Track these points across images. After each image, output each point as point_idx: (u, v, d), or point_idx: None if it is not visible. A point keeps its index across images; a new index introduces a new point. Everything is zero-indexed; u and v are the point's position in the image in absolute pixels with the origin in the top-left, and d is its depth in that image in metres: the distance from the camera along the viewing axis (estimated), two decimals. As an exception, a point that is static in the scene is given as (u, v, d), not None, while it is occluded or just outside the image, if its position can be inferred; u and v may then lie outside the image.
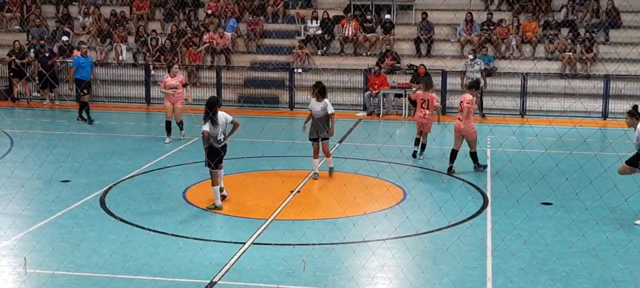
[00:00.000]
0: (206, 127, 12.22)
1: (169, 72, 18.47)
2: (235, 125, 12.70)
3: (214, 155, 12.34)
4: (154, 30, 26.71)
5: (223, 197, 12.93)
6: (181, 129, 18.48)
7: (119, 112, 23.25)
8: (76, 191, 13.59)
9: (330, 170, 15.07)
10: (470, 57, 22.83)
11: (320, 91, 14.88)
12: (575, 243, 10.79)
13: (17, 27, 28.26)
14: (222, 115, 12.43)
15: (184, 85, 18.38)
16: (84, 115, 21.10)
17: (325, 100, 14.85)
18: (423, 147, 16.56)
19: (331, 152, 17.14)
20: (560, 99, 22.85)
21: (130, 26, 27.70)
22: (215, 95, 18.73)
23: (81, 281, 9.45)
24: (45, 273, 9.62)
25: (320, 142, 14.85)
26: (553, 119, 20.85)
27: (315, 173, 14.90)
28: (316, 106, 14.88)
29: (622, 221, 11.28)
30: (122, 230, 11.43)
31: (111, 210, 12.51)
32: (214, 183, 12.57)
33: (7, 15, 28.61)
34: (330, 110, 14.80)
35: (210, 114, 12.17)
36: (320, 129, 14.82)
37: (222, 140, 12.46)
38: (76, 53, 25.34)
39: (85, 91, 21.20)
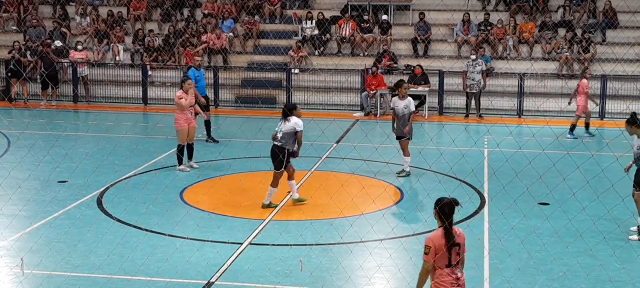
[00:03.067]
0: (278, 128, 12.63)
1: (182, 87, 15.30)
2: (298, 137, 12.67)
3: (274, 154, 12.62)
4: (151, 31, 26.69)
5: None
6: (191, 157, 15.70)
7: (117, 112, 23.23)
8: (73, 192, 13.59)
9: (402, 172, 15.18)
10: (473, 57, 22.83)
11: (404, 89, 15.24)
12: (573, 243, 10.80)
13: (15, 27, 28.23)
14: (293, 122, 12.54)
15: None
16: None
17: (409, 98, 15.02)
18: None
19: (328, 153, 17.15)
20: (558, 99, 22.86)
21: (128, 27, 27.69)
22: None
23: (78, 282, 9.45)
24: (42, 274, 9.61)
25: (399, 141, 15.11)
26: (550, 119, 20.86)
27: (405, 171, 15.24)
28: (399, 105, 15.04)
29: (619, 221, 11.29)
30: (120, 231, 11.42)
31: (109, 210, 12.51)
32: (273, 185, 12.71)
33: (4, 15, 28.57)
34: (412, 108, 15.02)
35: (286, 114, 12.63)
36: (399, 129, 15.01)
37: (279, 139, 12.56)
38: (73, 54, 25.39)
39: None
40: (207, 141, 18.07)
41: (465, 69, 22.82)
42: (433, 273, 7.03)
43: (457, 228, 7.07)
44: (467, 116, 22.85)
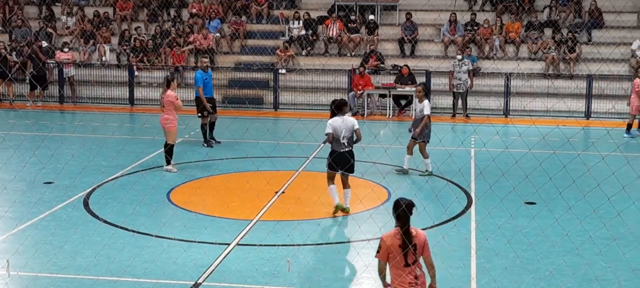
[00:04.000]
0: (329, 129, 12.08)
1: (168, 86, 15.42)
2: (358, 135, 12.23)
3: (335, 160, 12.19)
4: (137, 28, 26.60)
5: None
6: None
7: (103, 113, 23.15)
8: (59, 193, 13.52)
9: (425, 171, 15.28)
10: (459, 57, 22.88)
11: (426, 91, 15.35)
12: (559, 242, 10.85)
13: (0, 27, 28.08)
14: (349, 120, 12.15)
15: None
16: None
17: (425, 101, 15.06)
18: None
19: (315, 152, 17.15)
20: (544, 98, 22.96)
21: (114, 27, 27.60)
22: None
23: (64, 283, 9.41)
24: (28, 276, 9.56)
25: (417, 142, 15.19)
26: (536, 118, 20.95)
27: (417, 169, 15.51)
28: (417, 107, 15.23)
29: (605, 220, 11.34)
30: (106, 232, 11.38)
31: (95, 211, 12.46)
32: (329, 183, 12.39)
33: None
34: (426, 111, 15.00)
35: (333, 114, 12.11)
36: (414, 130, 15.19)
37: (346, 144, 12.11)
38: (59, 54, 25.27)
39: None
40: (210, 141, 17.96)
41: (451, 68, 22.86)
42: (392, 273, 7.08)
43: (417, 230, 7.12)
44: (453, 116, 22.91)
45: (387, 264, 7.10)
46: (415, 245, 7.02)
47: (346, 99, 12.26)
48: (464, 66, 22.69)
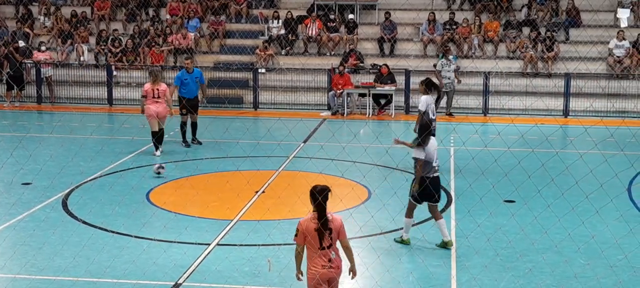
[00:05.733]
0: (421, 154, 10.55)
1: (155, 80, 16.61)
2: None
3: (428, 187, 10.57)
4: (116, 30, 26.46)
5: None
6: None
7: (81, 113, 23.00)
8: (38, 193, 13.42)
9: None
10: (451, 57, 22.86)
11: (426, 86, 14.97)
12: (538, 240, 10.91)
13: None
14: (432, 140, 10.79)
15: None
16: None
17: (422, 97, 14.93)
18: None
19: (295, 152, 17.15)
20: (522, 97, 23.09)
21: (92, 27, 27.43)
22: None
23: (43, 284, 9.35)
24: (6, 277, 9.50)
25: None
26: (515, 117, 21.05)
27: None
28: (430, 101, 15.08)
29: (584, 218, 11.43)
30: (85, 233, 11.31)
31: (74, 212, 12.38)
32: (408, 215, 10.95)
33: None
34: (419, 107, 14.88)
35: (419, 138, 10.60)
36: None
37: (437, 167, 10.82)
38: (36, 54, 25.07)
39: None
40: (192, 142, 17.92)
41: (439, 68, 22.77)
42: (307, 256, 7.42)
43: (333, 215, 7.47)
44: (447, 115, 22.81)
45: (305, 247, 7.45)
46: (330, 230, 7.35)
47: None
48: (452, 66, 22.73)
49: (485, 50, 25.42)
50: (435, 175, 10.71)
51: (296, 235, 7.42)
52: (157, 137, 16.67)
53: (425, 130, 10.52)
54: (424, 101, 15.04)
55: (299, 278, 7.65)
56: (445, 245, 10.78)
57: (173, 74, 24.88)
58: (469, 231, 11.31)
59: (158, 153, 16.70)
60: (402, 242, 10.98)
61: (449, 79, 22.64)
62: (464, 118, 21.90)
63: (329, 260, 7.39)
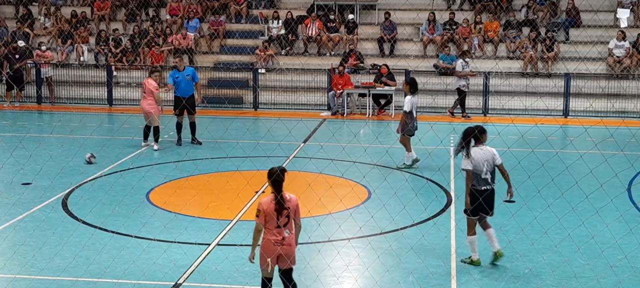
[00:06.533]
0: (468, 165, 9.90)
1: (151, 74, 17.45)
2: (503, 171, 10.06)
3: (474, 201, 9.92)
4: (116, 29, 26.45)
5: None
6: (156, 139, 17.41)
7: (81, 113, 23.00)
8: (38, 194, 13.42)
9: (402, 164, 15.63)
10: (468, 60, 22.83)
11: (410, 86, 15.43)
12: (538, 240, 10.91)
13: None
14: (490, 150, 10.00)
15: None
16: None
17: (407, 97, 15.32)
18: None
19: (295, 152, 17.15)
20: (522, 97, 23.09)
21: (92, 27, 27.43)
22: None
23: (43, 284, 9.34)
24: (6, 277, 9.49)
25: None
26: (515, 117, 21.05)
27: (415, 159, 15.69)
28: (415, 101, 15.43)
29: (584, 218, 11.43)
30: (85, 233, 11.31)
31: (74, 212, 12.38)
32: (469, 233, 10.18)
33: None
34: (404, 107, 15.35)
35: (464, 144, 9.94)
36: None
37: (490, 180, 9.99)
38: (37, 54, 25.07)
39: None
40: (191, 142, 17.94)
41: (459, 68, 22.68)
42: (263, 233, 8.06)
43: (290, 195, 8.04)
44: (466, 115, 22.70)
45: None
46: (288, 209, 7.97)
47: (478, 129, 9.93)
48: (469, 66, 22.67)
49: (485, 50, 25.42)
50: (487, 188, 9.90)
51: (257, 216, 8.00)
52: (144, 132, 17.49)
53: (468, 135, 9.89)
54: (408, 101, 15.20)
55: (251, 261, 8.24)
56: (496, 258, 10.11)
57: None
58: (469, 231, 11.30)
59: (143, 144, 17.50)
60: (472, 263, 10.13)
61: (467, 79, 22.56)
62: (464, 118, 21.90)
63: (283, 238, 8.00)
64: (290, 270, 8.23)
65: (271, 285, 8.20)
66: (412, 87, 15.46)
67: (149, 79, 17.29)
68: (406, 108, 15.31)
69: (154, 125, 17.16)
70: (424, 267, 9.99)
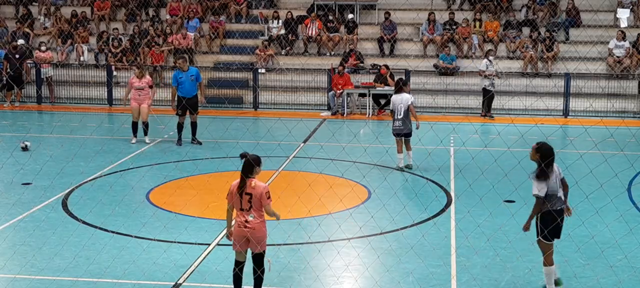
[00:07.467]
0: (543, 189, 8.82)
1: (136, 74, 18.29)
2: (565, 186, 9.23)
3: (552, 223, 8.96)
4: (115, 29, 26.45)
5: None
6: (146, 133, 18.15)
7: (81, 113, 23.00)
8: (38, 194, 13.42)
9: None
10: (491, 58, 22.80)
11: (396, 85, 15.57)
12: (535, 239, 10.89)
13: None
14: (557, 166, 9.12)
15: (150, 87, 18.24)
16: None
17: (403, 94, 15.30)
18: None
19: (295, 152, 17.15)
20: (522, 97, 23.08)
21: (92, 27, 27.42)
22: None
23: (43, 284, 9.34)
24: (6, 277, 9.49)
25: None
26: (515, 117, 21.05)
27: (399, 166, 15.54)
28: (396, 100, 15.33)
29: (584, 218, 11.42)
30: (85, 233, 11.31)
31: (74, 212, 12.38)
32: (547, 262, 9.14)
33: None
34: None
35: (543, 166, 8.85)
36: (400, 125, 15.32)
37: (562, 197, 9.10)
38: (37, 54, 25.07)
39: None
40: (191, 142, 17.95)
41: (483, 68, 22.64)
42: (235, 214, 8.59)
43: (257, 182, 8.45)
44: (484, 115, 22.67)
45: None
46: (250, 195, 8.40)
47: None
48: (493, 66, 22.64)
49: (485, 50, 25.40)
50: (562, 206, 9.01)
51: (227, 196, 8.65)
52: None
53: (548, 157, 8.85)
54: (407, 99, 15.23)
55: (228, 238, 8.88)
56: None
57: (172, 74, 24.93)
58: (469, 231, 11.30)
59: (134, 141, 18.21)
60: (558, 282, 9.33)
61: (492, 79, 22.53)
62: (463, 118, 21.89)
63: (246, 221, 8.44)
64: (259, 254, 8.58)
65: (240, 267, 8.69)
66: (395, 85, 15.70)
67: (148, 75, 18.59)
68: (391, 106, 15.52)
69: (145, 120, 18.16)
70: (424, 267, 9.99)
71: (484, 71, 22.48)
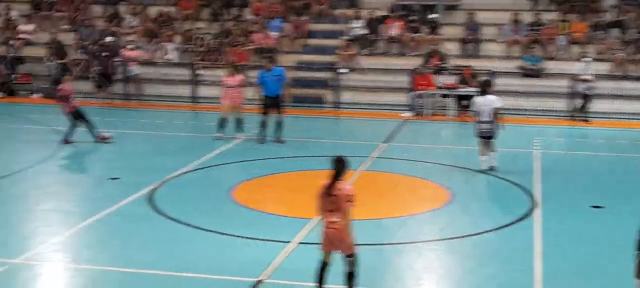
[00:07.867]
0: None
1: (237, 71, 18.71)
2: None
3: None
4: (199, 28, 26.87)
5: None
6: (240, 129, 18.31)
7: (166, 110, 23.47)
8: (125, 189, 13.76)
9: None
10: (588, 60, 22.40)
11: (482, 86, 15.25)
12: (624, 246, 10.60)
13: (67, 26, 28.65)
14: None
15: (243, 85, 18.57)
16: None
17: (488, 96, 14.98)
18: None
19: (376, 152, 17.11)
20: (611, 100, 22.48)
21: (177, 26, 27.95)
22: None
23: (130, 278, 9.57)
24: (96, 269, 9.77)
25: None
26: (601, 120, 20.55)
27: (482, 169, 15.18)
28: (481, 102, 15.04)
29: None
30: (169, 228, 11.54)
31: (159, 207, 12.65)
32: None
33: (57, 14, 29.03)
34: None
35: None
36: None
37: None
38: (124, 52, 25.70)
39: None
40: (274, 141, 18.13)
41: (581, 71, 22.25)
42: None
43: (344, 185, 8.35)
44: (578, 119, 22.25)
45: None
46: (335, 196, 8.32)
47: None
48: (591, 69, 22.21)
49: (570, 51, 24.83)
50: None
51: (317, 196, 8.54)
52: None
53: None
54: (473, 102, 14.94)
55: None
56: None
57: (256, 73, 25.20)
58: (555, 236, 11.07)
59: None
60: None
61: (591, 82, 22.07)
62: (548, 121, 21.47)
63: (332, 222, 8.40)
64: (348, 256, 8.61)
65: (325, 269, 8.67)
66: (480, 87, 15.35)
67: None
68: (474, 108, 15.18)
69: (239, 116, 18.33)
70: (506, 271, 9.84)
71: (581, 75, 21.90)
